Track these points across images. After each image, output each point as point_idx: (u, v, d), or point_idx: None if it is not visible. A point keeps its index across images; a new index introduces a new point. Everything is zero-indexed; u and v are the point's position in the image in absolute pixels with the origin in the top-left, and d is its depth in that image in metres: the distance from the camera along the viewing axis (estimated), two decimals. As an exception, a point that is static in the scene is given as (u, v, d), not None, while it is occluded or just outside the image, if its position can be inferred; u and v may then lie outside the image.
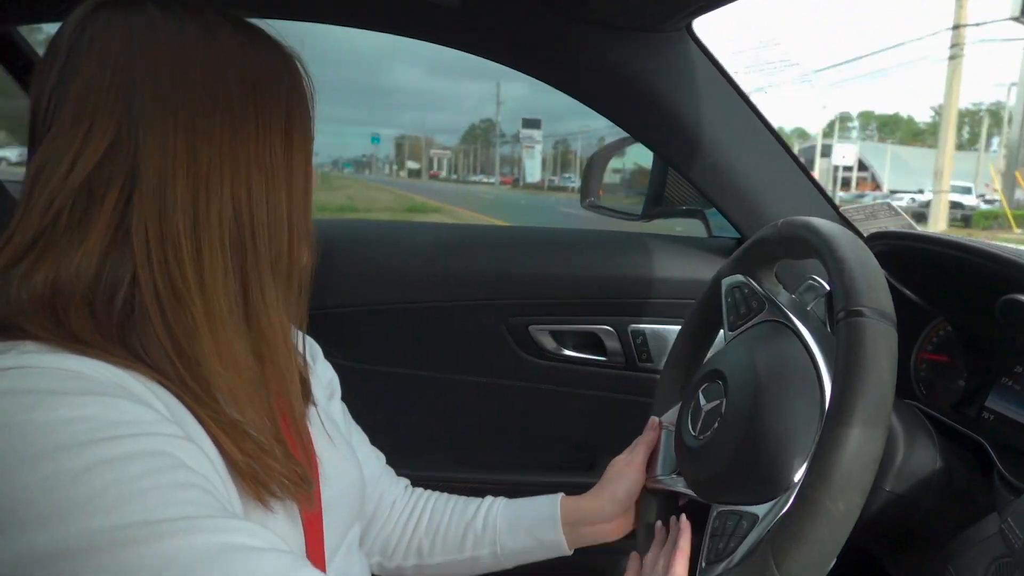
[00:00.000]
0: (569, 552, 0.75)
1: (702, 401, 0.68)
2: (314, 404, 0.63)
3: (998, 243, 0.65)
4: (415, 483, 0.83)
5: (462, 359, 1.18)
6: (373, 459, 0.81)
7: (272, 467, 0.49)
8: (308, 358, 0.69)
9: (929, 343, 0.84)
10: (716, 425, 0.64)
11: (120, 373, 0.43)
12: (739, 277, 0.70)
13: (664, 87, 0.92)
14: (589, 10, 0.79)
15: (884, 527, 0.62)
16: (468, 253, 1.18)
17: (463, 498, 0.80)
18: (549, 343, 1.16)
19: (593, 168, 1.41)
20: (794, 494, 0.53)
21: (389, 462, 0.84)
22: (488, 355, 1.17)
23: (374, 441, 0.83)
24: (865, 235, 0.82)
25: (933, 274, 0.77)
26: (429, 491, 0.82)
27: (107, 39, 0.46)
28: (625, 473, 0.74)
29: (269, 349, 0.50)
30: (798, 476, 0.56)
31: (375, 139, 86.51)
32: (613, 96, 0.96)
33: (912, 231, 0.78)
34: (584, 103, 1.00)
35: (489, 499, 0.79)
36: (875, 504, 0.60)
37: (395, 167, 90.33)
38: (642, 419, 0.79)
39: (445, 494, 0.81)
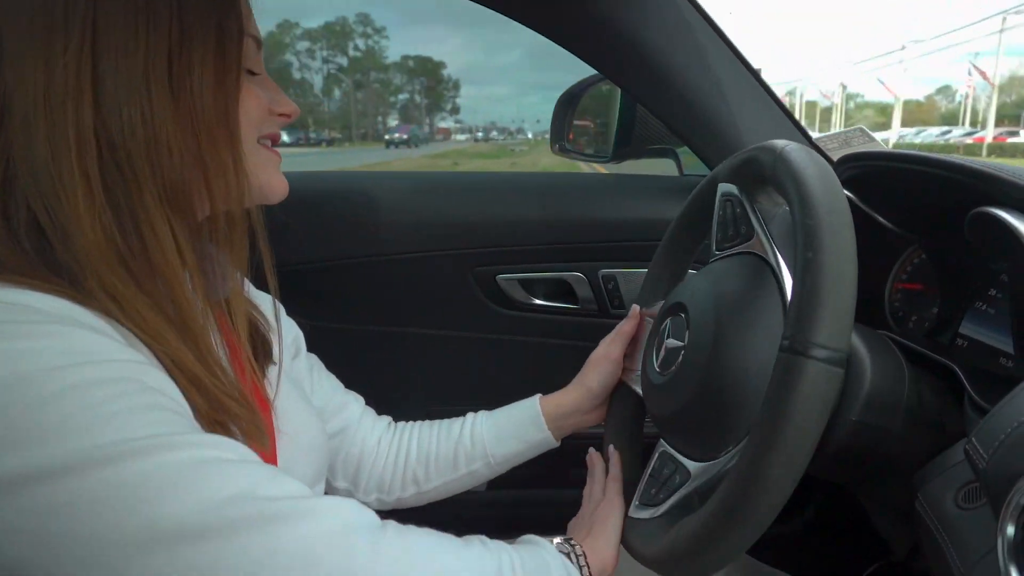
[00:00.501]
0: (557, 444, 0.78)
1: (666, 336, 0.65)
2: (275, 362, 0.61)
3: (971, 158, 0.61)
4: None
5: (429, 313, 1.14)
6: (352, 402, 0.81)
7: (229, 407, 0.48)
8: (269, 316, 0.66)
9: (904, 272, 0.81)
10: (678, 363, 0.62)
11: (71, 306, 0.42)
12: (733, 189, 0.65)
13: (628, 16, 0.87)
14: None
15: (853, 457, 0.60)
16: (430, 202, 1.13)
17: (445, 421, 0.81)
18: (518, 293, 1.13)
19: (562, 111, 1.36)
20: (724, 475, 0.53)
21: None
22: (456, 307, 1.13)
23: None
24: (835, 159, 0.78)
25: (906, 196, 0.73)
26: (411, 423, 0.82)
27: None
28: (601, 365, 0.76)
29: (170, 291, 0.47)
30: (736, 447, 0.55)
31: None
32: (576, 29, 0.91)
33: (881, 150, 0.74)
34: (547, 36, 0.95)
35: (471, 416, 0.80)
36: (842, 434, 0.58)
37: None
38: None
39: (427, 422, 0.82)
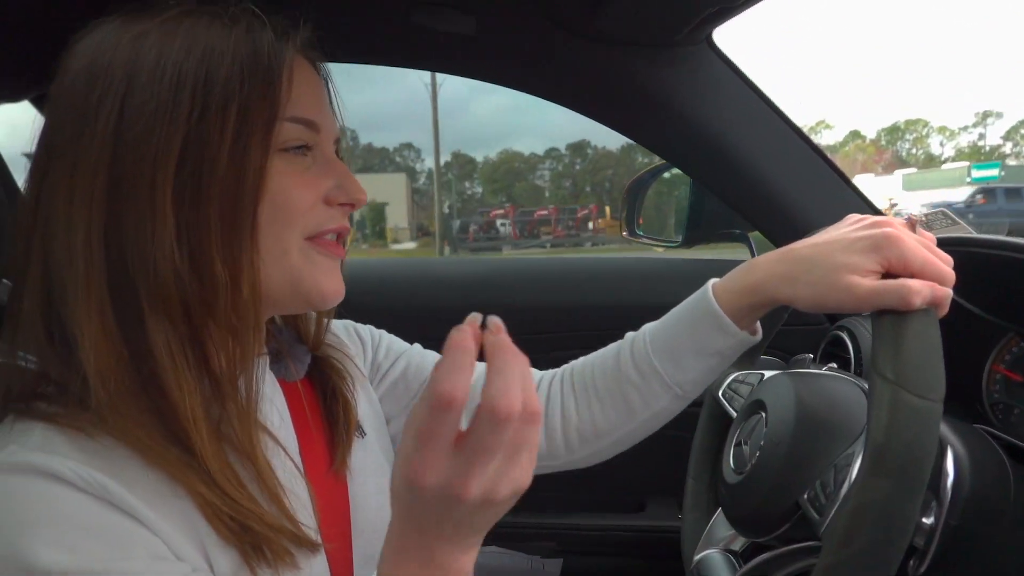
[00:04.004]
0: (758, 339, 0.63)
1: (743, 434, 0.64)
2: (361, 435, 0.60)
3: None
4: None
5: None
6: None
7: (252, 529, 0.45)
8: (354, 347, 0.67)
9: (1002, 361, 0.76)
10: (753, 463, 0.60)
11: (102, 468, 0.42)
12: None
13: (688, 103, 0.89)
14: (601, 27, 0.77)
15: (953, 566, 0.55)
16: (504, 286, 1.16)
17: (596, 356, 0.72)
18: None
19: (631, 198, 1.38)
20: None
21: None
22: None
23: None
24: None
25: (996, 282, 0.70)
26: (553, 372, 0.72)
27: None
28: None
29: (172, 407, 0.44)
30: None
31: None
32: (637, 116, 0.94)
33: (969, 235, 0.71)
34: (610, 126, 0.98)
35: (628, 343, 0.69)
36: (941, 542, 0.54)
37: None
38: (687, 458, 0.76)
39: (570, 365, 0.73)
